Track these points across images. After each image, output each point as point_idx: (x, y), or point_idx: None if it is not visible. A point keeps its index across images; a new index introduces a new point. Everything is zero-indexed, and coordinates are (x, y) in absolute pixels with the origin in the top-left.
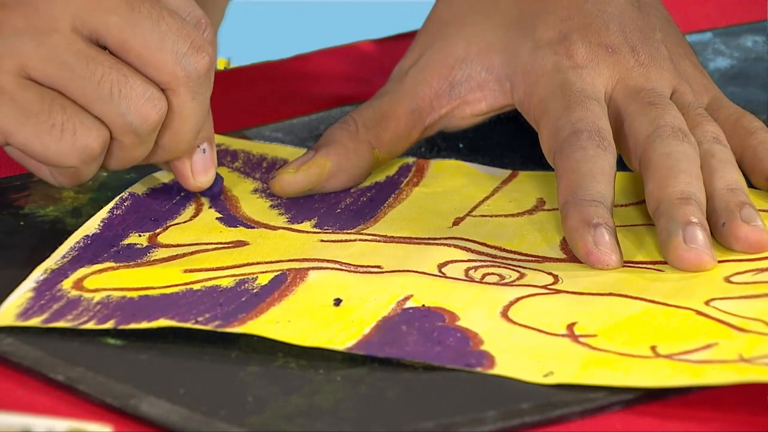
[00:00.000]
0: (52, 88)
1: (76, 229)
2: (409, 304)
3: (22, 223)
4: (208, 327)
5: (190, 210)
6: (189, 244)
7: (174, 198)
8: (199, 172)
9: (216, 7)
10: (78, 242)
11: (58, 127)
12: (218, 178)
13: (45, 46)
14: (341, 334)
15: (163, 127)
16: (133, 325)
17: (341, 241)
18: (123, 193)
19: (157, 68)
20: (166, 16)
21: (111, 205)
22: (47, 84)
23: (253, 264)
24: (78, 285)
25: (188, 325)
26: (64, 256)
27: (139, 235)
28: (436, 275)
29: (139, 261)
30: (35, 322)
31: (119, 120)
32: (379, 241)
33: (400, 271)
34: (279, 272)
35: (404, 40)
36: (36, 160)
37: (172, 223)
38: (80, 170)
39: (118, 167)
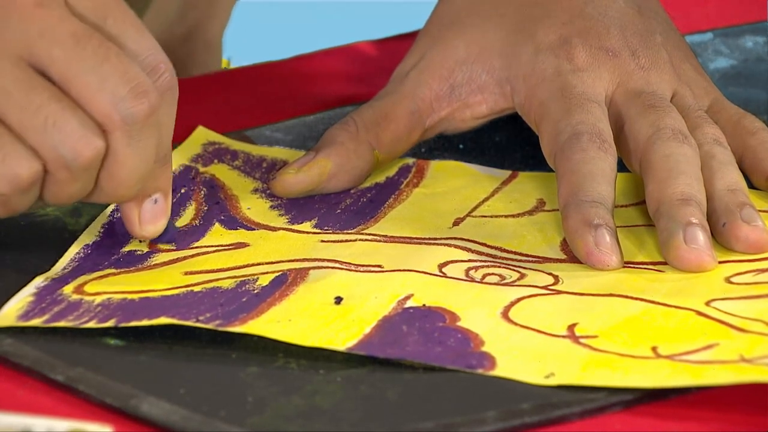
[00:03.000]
0: None
1: (76, 229)
2: (409, 303)
3: (22, 223)
4: (209, 326)
5: (190, 210)
6: (189, 248)
7: (175, 196)
8: (146, 221)
9: (222, 8)
10: (78, 252)
11: None
12: (170, 228)
13: None
14: (342, 334)
15: (101, 168)
16: (134, 323)
17: (341, 241)
18: None
19: (94, 108)
20: (112, 56)
21: (112, 206)
22: None
23: (253, 265)
24: (79, 290)
25: (189, 323)
26: (65, 267)
27: (140, 241)
28: (436, 275)
29: (140, 266)
30: (36, 322)
31: (52, 153)
32: (379, 241)
33: (400, 270)
34: (279, 273)
35: (405, 40)
36: None
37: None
38: (10, 199)
39: (54, 202)
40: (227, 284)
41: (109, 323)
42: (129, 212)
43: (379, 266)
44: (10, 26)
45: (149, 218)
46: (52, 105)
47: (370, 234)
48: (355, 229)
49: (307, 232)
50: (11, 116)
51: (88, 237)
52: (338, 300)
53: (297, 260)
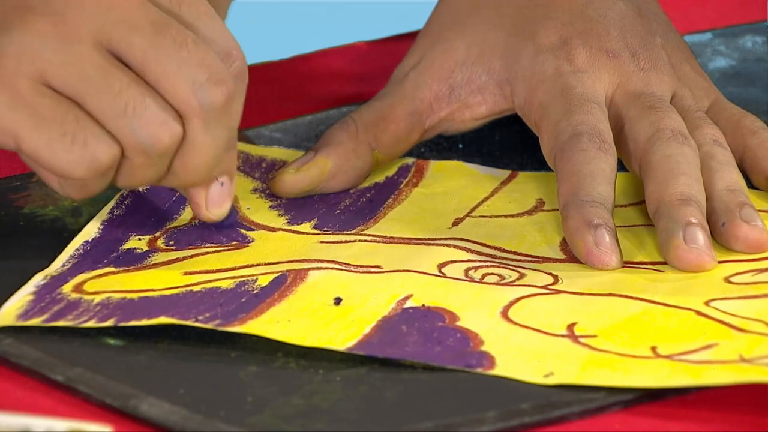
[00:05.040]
0: (68, 97)
1: (76, 229)
2: (409, 303)
3: (22, 223)
4: (208, 325)
5: (190, 210)
6: (188, 248)
7: (174, 195)
8: (214, 204)
9: (218, 7)
10: (78, 249)
11: (69, 136)
12: (233, 211)
13: (67, 55)
14: (341, 334)
15: (176, 154)
16: (133, 322)
17: (341, 242)
18: (123, 191)
19: (173, 95)
20: (190, 43)
21: (111, 204)
22: (64, 93)
23: (253, 266)
24: (78, 288)
25: (188, 323)
26: (64, 264)
27: (139, 239)
28: (436, 275)
29: (139, 265)
30: (36, 322)
31: (131, 138)
32: (378, 241)
33: (400, 270)
34: (279, 273)
35: (405, 40)
36: (45, 169)
37: (171, 225)
38: (88, 183)
39: (127, 185)
40: (226, 284)
41: (109, 323)
42: (196, 196)
43: (378, 267)
44: (90, 13)
45: (216, 201)
46: (131, 90)
47: (369, 235)
48: (354, 230)
49: (307, 233)
50: (91, 101)
51: (87, 234)
52: (337, 301)
53: (296, 261)
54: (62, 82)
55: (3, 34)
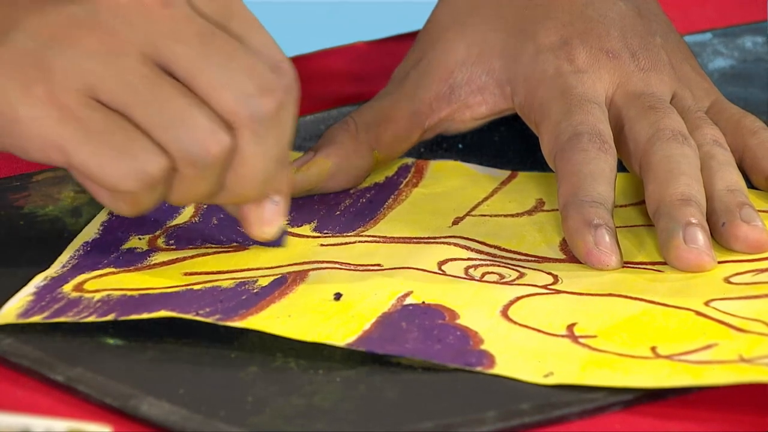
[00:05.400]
0: (116, 110)
1: (76, 229)
2: (409, 300)
3: (22, 223)
4: (209, 320)
5: (190, 207)
6: (188, 248)
7: None
8: (266, 222)
9: None
10: (78, 250)
11: (118, 149)
12: (283, 232)
13: (114, 68)
14: (341, 330)
15: (227, 167)
16: (134, 316)
17: (341, 244)
18: None
19: (221, 105)
20: (238, 53)
21: None
22: (112, 106)
23: (253, 269)
24: (78, 288)
25: (189, 316)
26: (64, 266)
27: (139, 238)
28: (436, 272)
29: (140, 265)
30: (36, 319)
31: (180, 149)
32: (379, 241)
33: (400, 267)
34: (279, 275)
35: (405, 40)
36: (94, 183)
37: (171, 224)
38: (139, 197)
39: (180, 201)
40: (227, 284)
41: (109, 317)
42: (248, 213)
43: (378, 265)
44: (137, 25)
45: (269, 219)
46: (179, 101)
47: (369, 236)
48: (354, 232)
49: (307, 236)
50: (138, 113)
51: (87, 234)
52: (337, 296)
53: (296, 264)
54: (110, 95)
55: (51, 50)
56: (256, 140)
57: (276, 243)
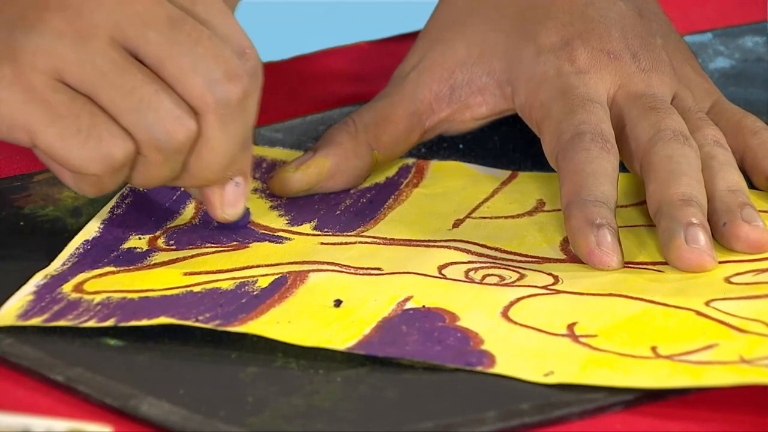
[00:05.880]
0: (83, 93)
1: (76, 229)
2: (409, 305)
3: (22, 223)
4: (209, 325)
5: (190, 209)
6: (188, 248)
7: (175, 193)
8: (229, 203)
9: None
10: (78, 248)
11: (83, 132)
12: (246, 212)
13: (82, 51)
14: (341, 334)
15: (190, 151)
16: (133, 322)
17: (341, 243)
18: (124, 189)
19: (188, 91)
20: (205, 39)
21: (112, 203)
22: (79, 89)
23: (253, 267)
24: (78, 288)
25: (189, 323)
26: (64, 263)
27: (139, 238)
28: (436, 277)
29: (139, 265)
30: (36, 321)
31: (145, 134)
32: (378, 243)
33: (400, 272)
34: (279, 275)
35: (405, 40)
36: (59, 164)
37: (171, 224)
38: (102, 179)
39: (142, 184)
40: (226, 285)
41: (109, 322)
42: (211, 195)
43: (378, 269)
44: (105, 9)
45: (231, 201)
46: (146, 86)
47: (369, 236)
48: (354, 231)
49: (307, 234)
50: (105, 97)
51: (88, 232)
52: (337, 303)
53: (296, 263)
54: (77, 78)
55: (20, 31)
56: (221, 126)
57: (241, 224)
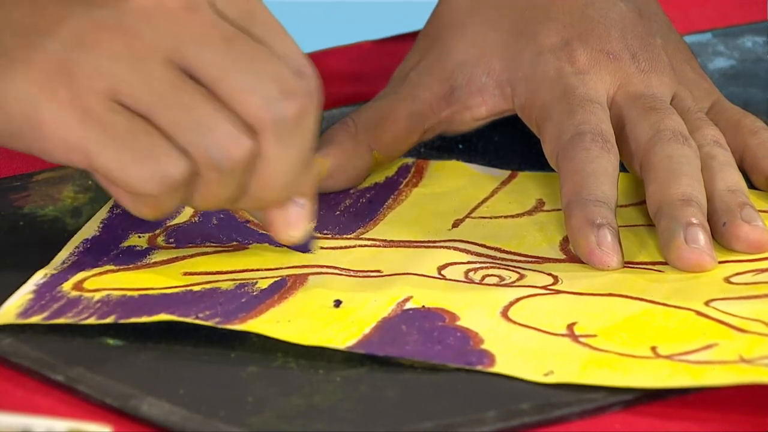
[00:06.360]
0: (140, 114)
1: (76, 229)
2: (408, 305)
3: (22, 223)
4: (209, 323)
5: (189, 208)
6: (188, 247)
7: None
8: (291, 225)
9: None
10: (77, 247)
11: (141, 152)
12: (311, 235)
13: (138, 72)
14: (341, 334)
15: (249, 172)
16: (133, 319)
17: (341, 247)
18: None
19: (245, 109)
20: (262, 57)
21: (112, 202)
22: (135, 110)
23: (252, 270)
24: (78, 286)
25: (189, 320)
26: (63, 262)
27: (139, 236)
28: (436, 277)
29: (139, 264)
30: (36, 320)
31: (202, 153)
32: (378, 245)
33: (399, 274)
34: (279, 278)
35: (405, 40)
36: (117, 186)
37: (171, 223)
38: (160, 200)
39: (202, 206)
40: (226, 286)
41: (109, 320)
42: (274, 217)
43: (378, 271)
44: (161, 29)
45: (294, 222)
46: (202, 106)
47: (369, 239)
48: (354, 234)
49: None
50: (162, 116)
51: (87, 231)
52: (337, 303)
53: (296, 267)
54: (134, 99)
55: (75, 51)
56: (279, 144)
57: (304, 248)
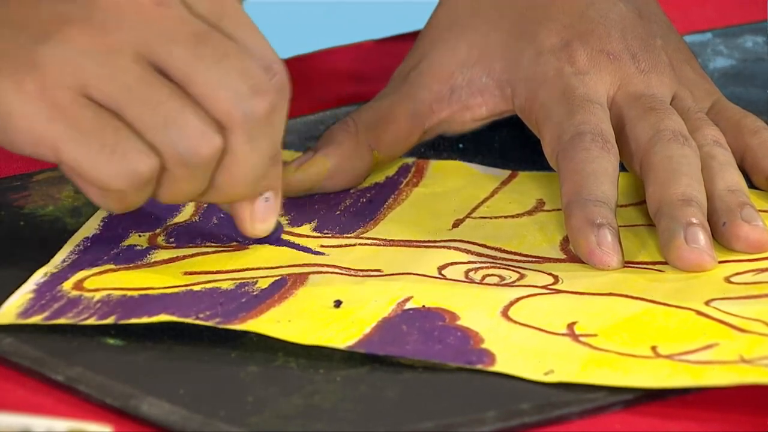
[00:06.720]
0: (108, 109)
1: (76, 229)
2: (409, 305)
3: (22, 223)
4: (209, 323)
5: (190, 206)
6: (188, 246)
7: None
8: (259, 219)
9: None
10: (78, 245)
11: (109, 148)
12: (278, 227)
13: (107, 67)
14: (342, 334)
15: (218, 167)
16: (134, 320)
17: (341, 246)
18: None
19: (215, 106)
20: (232, 54)
21: None
22: (104, 105)
23: (253, 269)
24: (78, 286)
25: (189, 320)
26: (64, 260)
27: (139, 236)
28: (436, 277)
29: (139, 263)
30: (36, 320)
31: (171, 150)
32: (379, 245)
33: (400, 274)
34: (279, 277)
35: (406, 40)
36: (84, 180)
37: (171, 222)
38: (128, 195)
39: (169, 200)
40: (226, 285)
41: (109, 320)
42: (241, 211)
43: (378, 271)
44: (130, 25)
45: (260, 216)
46: (172, 102)
47: (369, 238)
48: (354, 233)
49: (307, 236)
50: (131, 112)
51: (88, 230)
52: (338, 303)
53: (297, 265)
54: (103, 94)
55: (43, 45)
56: (248, 141)
57: (273, 240)
